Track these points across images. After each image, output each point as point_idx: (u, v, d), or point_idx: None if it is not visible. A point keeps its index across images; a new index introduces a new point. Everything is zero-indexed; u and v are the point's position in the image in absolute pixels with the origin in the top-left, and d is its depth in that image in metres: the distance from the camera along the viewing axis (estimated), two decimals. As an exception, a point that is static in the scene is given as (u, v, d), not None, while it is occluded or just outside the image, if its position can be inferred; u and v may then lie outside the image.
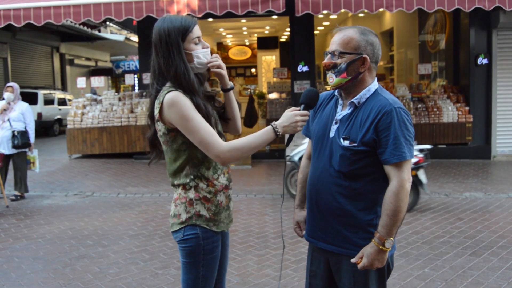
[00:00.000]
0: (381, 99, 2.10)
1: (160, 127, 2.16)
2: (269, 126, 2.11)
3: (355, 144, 2.08)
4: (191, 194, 2.17)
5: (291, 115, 2.10)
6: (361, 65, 2.11)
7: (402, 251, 4.74)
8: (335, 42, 2.14)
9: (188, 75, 2.13)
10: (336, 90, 2.26)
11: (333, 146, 2.16)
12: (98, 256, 4.80)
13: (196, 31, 2.17)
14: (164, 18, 2.18)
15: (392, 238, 2.04)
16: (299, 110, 2.14)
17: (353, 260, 2.11)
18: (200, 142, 2.06)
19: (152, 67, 2.20)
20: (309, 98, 2.17)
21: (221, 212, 2.23)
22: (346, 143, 2.10)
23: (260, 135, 2.11)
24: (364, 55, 2.10)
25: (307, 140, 2.38)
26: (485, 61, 10.16)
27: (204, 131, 2.06)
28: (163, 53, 2.13)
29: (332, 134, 2.18)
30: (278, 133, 2.10)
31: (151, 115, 2.23)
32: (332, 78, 2.14)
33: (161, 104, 2.09)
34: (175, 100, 2.06)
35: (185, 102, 2.07)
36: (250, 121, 13.12)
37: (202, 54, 2.19)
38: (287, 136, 2.19)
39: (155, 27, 2.18)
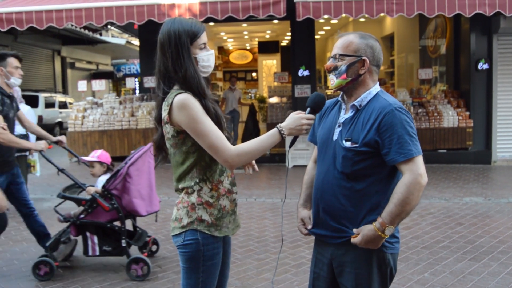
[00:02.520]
0: (381, 101, 2.14)
1: (168, 130, 2.14)
2: (275, 129, 2.14)
3: (357, 145, 2.11)
4: (194, 198, 2.16)
5: (297, 117, 2.14)
6: (361, 67, 2.16)
7: (402, 255, 4.74)
8: (336, 47, 2.22)
9: (198, 78, 2.14)
10: (339, 96, 2.31)
11: (336, 149, 2.19)
12: (97, 259, 4.79)
13: (204, 37, 2.18)
14: (174, 20, 2.17)
15: (393, 227, 2.05)
16: (305, 113, 2.17)
17: (355, 230, 2.12)
18: (210, 146, 2.07)
19: (157, 67, 2.19)
20: (316, 102, 2.21)
21: (225, 217, 2.21)
22: (348, 144, 2.14)
23: (266, 138, 2.13)
24: (364, 57, 2.16)
25: None
26: (485, 66, 10.18)
27: (214, 135, 2.06)
28: (172, 54, 2.12)
29: (335, 137, 2.22)
30: (283, 135, 2.12)
31: (158, 118, 2.21)
32: (333, 80, 2.21)
33: (170, 106, 2.08)
34: (185, 102, 2.06)
35: (195, 105, 2.07)
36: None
37: (206, 56, 2.19)
38: (288, 139, 2.22)
39: (163, 27, 2.17)
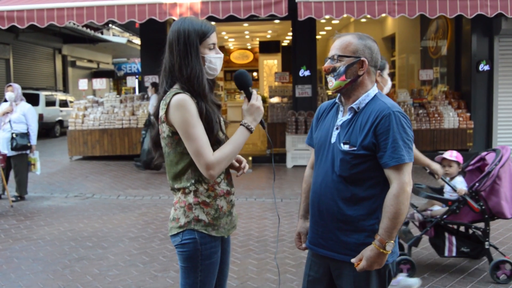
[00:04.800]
0: (379, 103, 2.13)
1: (164, 129, 2.14)
2: (241, 127, 2.18)
3: (355, 148, 2.10)
4: (190, 198, 2.16)
5: (248, 107, 2.18)
6: (359, 68, 2.15)
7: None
8: (334, 48, 2.20)
9: (202, 78, 2.13)
10: (337, 98, 2.30)
11: (335, 152, 2.17)
12: (97, 258, 4.80)
13: (213, 37, 2.18)
14: (184, 19, 2.17)
15: (392, 241, 2.05)
16: (245, 97, 2.21)
17: (353, 260, 2.10)
18: (195, 151, 2.06)
19: (163, 65, 2.20)
20: (241, 80, 2.22)
21: (222, 217, 2.21)
22: (346, 147, 2.12)
23: (237, 137, 2.16)
24: (362, 58, 2.15)
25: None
26: (486, 67, 10.17)
27: (201, 141, 2.06)
28: (180, 52, 2.12)
29: (333, 140, 2.20)
30: (251, 129, 2.18)
31: (156, 115, 2.23)
32: (331, 82, 2.20)
33: (168, 105, 2.08)
34: (181, 103, 2.05)
35: (191, 107, 2.07)
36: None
37: (214, 59, 2.19)
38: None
39: (173, 26, 2.17)
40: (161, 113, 2.13)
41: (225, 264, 2.37)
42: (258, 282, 4.16)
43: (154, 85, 9.89)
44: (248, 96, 2.21)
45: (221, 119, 2.25)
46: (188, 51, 2.11)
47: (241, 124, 2.17)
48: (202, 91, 2.13)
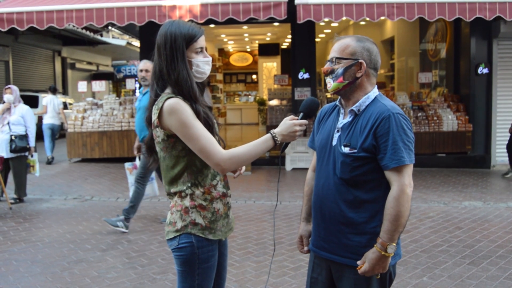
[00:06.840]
0: (380, 105, 2.13)
1: (158, 133, 2.14)
2: (268, 134, 2.13)
3: (355, 151, 2.10)
4: (187, 202, 2.16)
5: (290, 124, 2.14)
6: (357, 70, 2.16)
7: (401, 259, 4.72)
8: (333, 50, 2.21)
9: (191, 82, 2.12)
10: (338, 100, 2.30)
11: (336, 154, 2.18)
12: (96, 260, 4.79)
13: (201, 41, 2.17)
14: (172, 22, 2.17)
15: (394, 244, 2.04)
16: (298, 118, 2.17)
17: (358, 262, 2.10)
18: (200, 150, 2.05)
19: (153, 68, 2.20)
20: (309, 107, 2.22)
21: (218, 220, 2.21)
22: (346, 150, 2.13)
23: (259, 143, 2.12)
24: (360, 60, 2.15)
25: None
26: (485, 70, 10.18)
27: (204, 138, 2.05)
28: (167, 56, 2.12)
29: (334, 142, 2.20)
30: (277, 141, 2.12)
31: (149, 119, 2.22)
32: (330, 83, 2.21)
33: (160, 110, 2.08)
34: (175, 107, 2.05)
35: (186, 109, 2.06)
36: None
37: (201, 63, 2.18)
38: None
39: (161, 29, 2.17)
40: (154, 118, 2.12)
41: (223, 268, 2.37)
42: (257, 285, 4.16)
43: (50, 89, 12.21)
44: (300, 118, 2.20)
45: (214, 121, 2.24)
46: (174, 55, 2.11)
47: (269, 132, 2.14)
48: (194, 95, 2.12)
